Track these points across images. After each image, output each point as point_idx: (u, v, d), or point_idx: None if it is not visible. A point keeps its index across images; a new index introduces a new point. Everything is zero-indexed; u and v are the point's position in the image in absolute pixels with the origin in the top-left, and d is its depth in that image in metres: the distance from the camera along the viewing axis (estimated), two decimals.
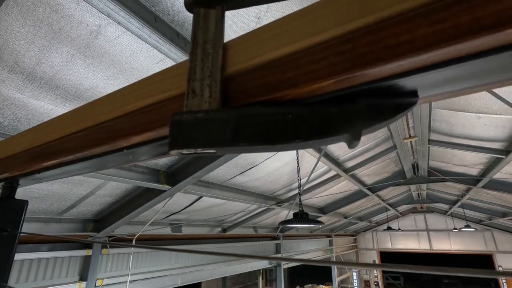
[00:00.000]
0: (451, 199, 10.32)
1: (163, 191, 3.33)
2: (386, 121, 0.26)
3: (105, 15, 1.46)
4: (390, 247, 15.70)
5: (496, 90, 2.92)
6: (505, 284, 13.16)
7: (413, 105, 0.28)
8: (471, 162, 5.53)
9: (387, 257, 16.29)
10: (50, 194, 2.98)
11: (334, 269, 12.35)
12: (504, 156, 4.42)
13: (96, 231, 3.83)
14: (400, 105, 0.27)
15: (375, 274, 15.63)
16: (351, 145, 0.27)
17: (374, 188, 7.62)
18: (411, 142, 5.49)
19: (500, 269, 12.67)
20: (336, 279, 12.22)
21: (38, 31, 1.47)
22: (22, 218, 0.86)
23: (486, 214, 10.64)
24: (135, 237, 4.28)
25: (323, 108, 0.27)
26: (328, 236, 12.38)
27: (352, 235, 16.14)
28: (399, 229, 12.73)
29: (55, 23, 1.46)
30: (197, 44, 0.35)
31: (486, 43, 0.20)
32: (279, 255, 8.23)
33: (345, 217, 10.15)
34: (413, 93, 0.28)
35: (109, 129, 0.46)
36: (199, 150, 0.30)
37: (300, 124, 0.27)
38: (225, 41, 0.36)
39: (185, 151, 0.31)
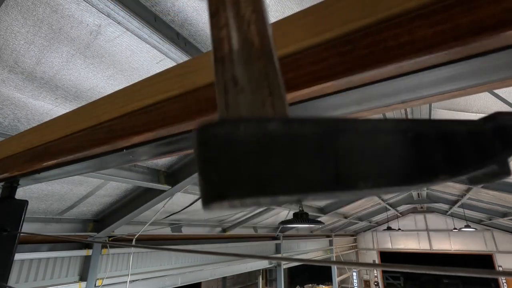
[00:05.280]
0: (451, 199, 10.31)
1: (163, 191, 3.33)
2: None
3: (105, 15, 1.46)
4: (390, 247, 15.70)
5: (496, 90, 2.92)
6: (505, 284, 13.16)
7: None
8: None
9: (387, 257, 16.28)
10: (50, 194, 2.98)
11: (334, 269, 12.35)
12: None
13: (96, 231, 3.83)
14: None
15: (375, 274, 15.63)
16: (495, 178, 0.18)
17: None
18: None
19: (500, 269, 12.65)
20: (336, 279, 12.22)
21: (38, 31, 1.47)
22: (22, 218, 0.86)
23: (486, 214, 10.63)
24: (135, 237, 4.28)
25: (479, 126, 0.18)
26: (328, 236, 12.38)
27: (352, 235, 16.13)
28: (399, 229, 12.73)
29: (55, 23, 1.46)
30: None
31: (486, 44, 0.20)
32: (279, 255, 8.23)
33: (345, 217, 10.14)
34: None
35: (109, 129, 0.46)
36: (281, 199, 0.15)
37: (448, 150, 0.17)
38: None
39: (249, 202, 0.15)
